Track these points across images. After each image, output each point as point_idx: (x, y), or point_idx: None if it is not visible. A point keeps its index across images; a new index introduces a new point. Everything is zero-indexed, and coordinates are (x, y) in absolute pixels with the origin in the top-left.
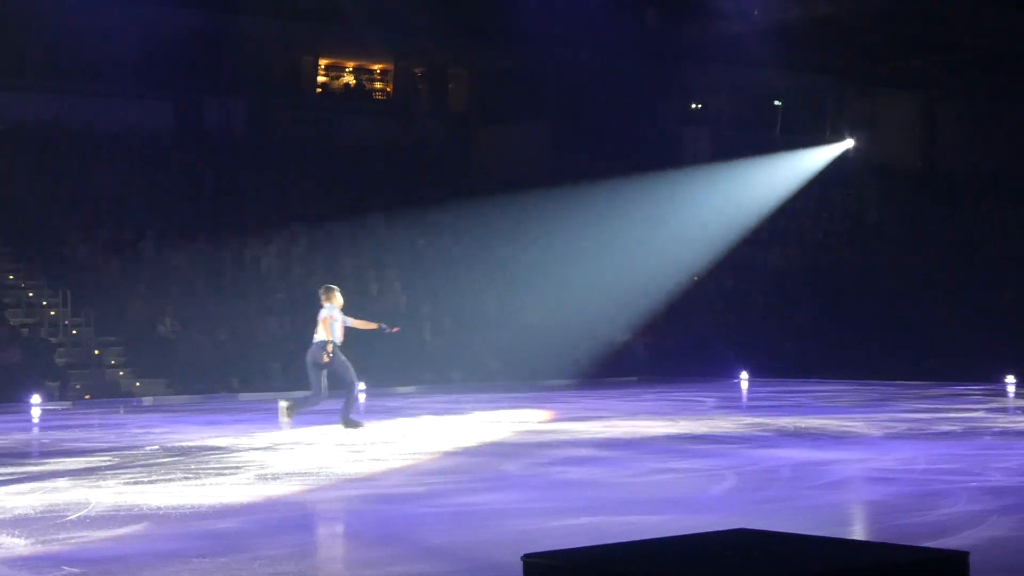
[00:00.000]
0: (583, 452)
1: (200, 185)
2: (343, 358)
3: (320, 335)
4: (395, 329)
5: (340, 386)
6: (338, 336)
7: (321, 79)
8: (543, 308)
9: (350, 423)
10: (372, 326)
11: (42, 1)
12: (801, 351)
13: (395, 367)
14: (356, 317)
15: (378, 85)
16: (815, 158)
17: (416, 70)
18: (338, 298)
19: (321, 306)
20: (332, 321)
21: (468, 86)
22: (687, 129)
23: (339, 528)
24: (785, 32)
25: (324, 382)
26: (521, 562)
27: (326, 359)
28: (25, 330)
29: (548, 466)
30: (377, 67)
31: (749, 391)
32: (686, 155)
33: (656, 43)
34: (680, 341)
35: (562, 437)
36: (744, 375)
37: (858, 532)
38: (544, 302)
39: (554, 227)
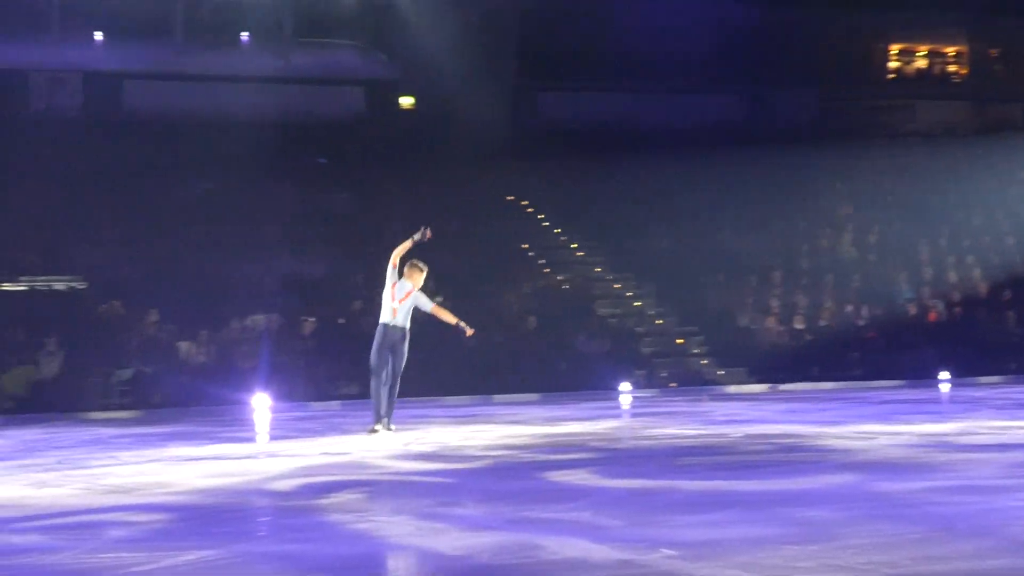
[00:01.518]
0: None
1: (771, 176)
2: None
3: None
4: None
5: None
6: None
7: (893, 64)
8: None
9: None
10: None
11: (617, 2)
12: None
13: (981, 356)
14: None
15: (952, 68)
16: None
17: (991, 51)
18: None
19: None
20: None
21: None
22: None
23: (929, 520)
24: None
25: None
26: None
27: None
28: (613, 320)
29: None
30: (950, 50)
31: None
32: None
33: None
34: None
35: None
36: None
37: None
38: None
39: None
